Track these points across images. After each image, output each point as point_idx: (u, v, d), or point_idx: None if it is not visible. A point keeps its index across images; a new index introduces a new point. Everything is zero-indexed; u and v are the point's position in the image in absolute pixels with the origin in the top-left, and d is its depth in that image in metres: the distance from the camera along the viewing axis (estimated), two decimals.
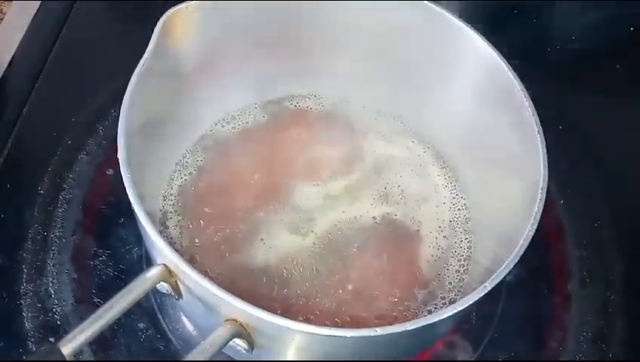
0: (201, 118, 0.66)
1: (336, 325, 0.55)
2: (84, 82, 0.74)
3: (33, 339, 0.57)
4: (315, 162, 0.65)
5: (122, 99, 0.51)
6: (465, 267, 0.60)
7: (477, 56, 0.59)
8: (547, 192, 0.50)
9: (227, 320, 0.44)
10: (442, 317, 0.44)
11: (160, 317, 0.60)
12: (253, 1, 0.60)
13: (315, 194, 0.63)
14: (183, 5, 0.56)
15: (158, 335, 0.59)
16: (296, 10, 0.62)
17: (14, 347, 0.57)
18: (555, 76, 0.76)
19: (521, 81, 0.56)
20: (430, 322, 0.44)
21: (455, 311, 0.44)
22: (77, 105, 0.71)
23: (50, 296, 0.60)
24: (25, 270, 0.61)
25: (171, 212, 0.61)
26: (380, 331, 0.43)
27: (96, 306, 0.45)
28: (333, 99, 0.70)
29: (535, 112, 0.54)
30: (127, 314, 0.46)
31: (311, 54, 0.66)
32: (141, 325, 0.59)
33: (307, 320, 0.55)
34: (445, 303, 0.58)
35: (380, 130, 0.69)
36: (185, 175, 0.63)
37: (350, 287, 0.58)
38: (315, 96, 0.70)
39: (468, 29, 0.59)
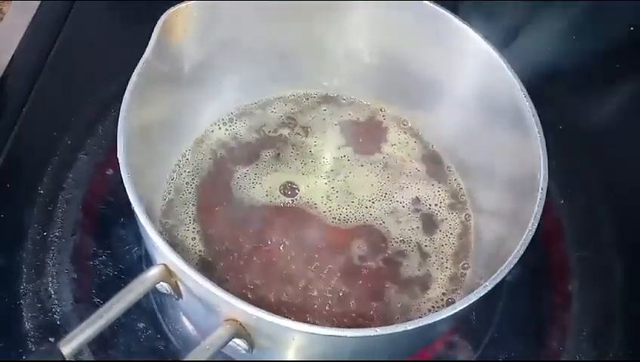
0: (200, 117, 0.66)
1: (336, 324, 0.55)
2: (84, 82, 0.74)
3: (33, 339, 0.57)
4: (315, 160, 0.66)
5: (122, 99, 0.51)
6: (465, 266, 0.60)
7: (477, 56, 0.59)
8: (547, 192, 0.50)
9: (227, 320, 0.44)
10: (442, 317, 0.44)
11: (160, 317, 0.60)
12: (253, 1, 0.60)
13: (318, 187, 0.64)
14: (182, 5, 0.56)
15: (158, 335, 0.59)
16: (296, 10, 0.62)
17: (14, 347, 0.57)
18: (555, 76, 0.76)
19: (521, 81, 0.56)
20: (430, 322, 0.44)
21: (455, 311, 0.44)
22: (77, 105, 0.71)
23: (50, 296, 0.60)
24: (25, 270, 0.61)
25: (171, 212, 0.61)
26: (379, 331, 0.43)
27: (96, 306, 0.44)
28: (332, 100, 0.70)
29: (535, 112, 0.54)
30: (127, 314, 0.46)
31: (311, 54, 0.66)
32: (141, 325, 0.59)
33: (307, 320, 0.55)
34: (445, 303, 0.58)
35: (379, 129, 0.69)
36: (185, 175, 0.63)
37: (350, 286, 0.58)
38: (315, 97, 0.70)
39: (468, 29, 0.59)
